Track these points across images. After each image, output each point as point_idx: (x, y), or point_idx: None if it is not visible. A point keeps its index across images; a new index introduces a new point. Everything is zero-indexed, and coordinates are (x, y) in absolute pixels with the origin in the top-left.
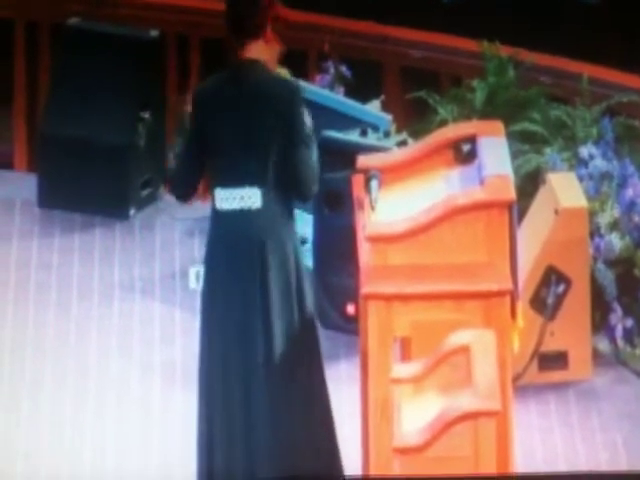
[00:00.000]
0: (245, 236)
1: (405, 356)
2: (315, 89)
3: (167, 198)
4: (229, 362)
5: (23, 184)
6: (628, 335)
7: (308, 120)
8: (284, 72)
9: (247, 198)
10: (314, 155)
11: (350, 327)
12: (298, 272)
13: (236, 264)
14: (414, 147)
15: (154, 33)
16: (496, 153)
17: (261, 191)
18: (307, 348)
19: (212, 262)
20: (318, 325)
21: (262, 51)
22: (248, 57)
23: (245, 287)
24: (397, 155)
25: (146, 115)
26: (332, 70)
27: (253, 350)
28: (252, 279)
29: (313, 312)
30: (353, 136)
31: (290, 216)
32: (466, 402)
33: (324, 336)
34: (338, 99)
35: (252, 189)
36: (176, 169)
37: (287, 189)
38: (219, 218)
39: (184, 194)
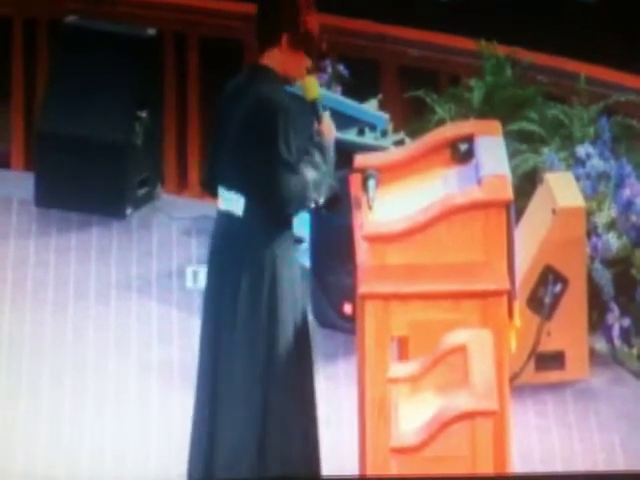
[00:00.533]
0: (226, 239)
1: (402, 355)
2: None
3: (164, 197)
4: (203, 366)
5: (20, 183)
6: (625, 335)
7: (292, 143)
8: (310, 81)
9: (232, 202)
10: (294, 180)
11: (347, 326)
12: (272, 285)
13: (217, 265)
14: (411, 146)
15: (151, 31)
16: (493, 153)
17: (244, 199)
18: (271, 357)
19: (207, 259)
20: (314, 327)
21: (277, 59)
22: (261, 62)
23: (220, 290)
24: (394, 154)
25: (143, 114)
26: (329, 69)
27: (219, 357)
28: (226, 283)
29: (289, 324)
30: (350, 135)
31: (275, 227)
32: (463, 402)
33: (321, 335)
34: (335, 98)
35: (236, 195)
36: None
37: (278, 202)
38: (216, 215)
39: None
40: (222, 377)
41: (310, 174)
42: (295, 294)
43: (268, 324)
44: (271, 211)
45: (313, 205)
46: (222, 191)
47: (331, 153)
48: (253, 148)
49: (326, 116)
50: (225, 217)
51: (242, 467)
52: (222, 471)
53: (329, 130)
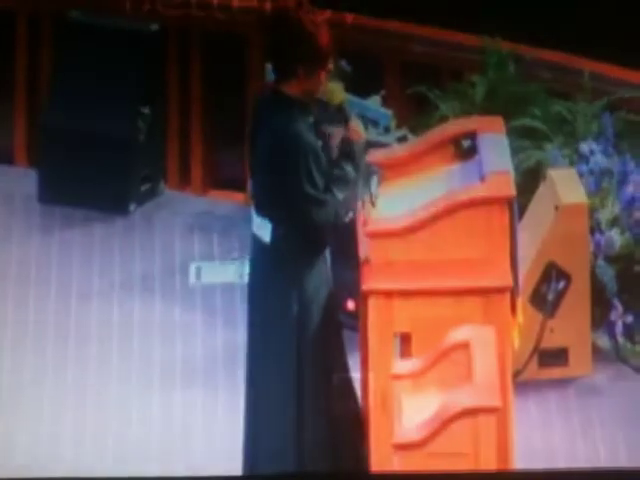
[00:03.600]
0: (256, 263)
1: (405, 352)
2: None
3: (167, 193)
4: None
5: (23, 179)
6: (628, 331)
7: (316, 176)
8: (333, 87)
9: (261, 227)
10: (322, 211)
11: (350, 323)
12: (300, 319)
13: (250, 286)
14: (414, 143)
15: (155, 27)
16: (496, 149)
17: (271, 226)
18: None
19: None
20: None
21: (296, 88)
22: (281, 90)
23: (251, 313)
24: (397, 151)
25: (146, 110)
26: (332, 65)
27: (254, 365)
28: (255, 308)
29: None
30: None
31: (303, 253)
32: (466, 398)
33: None
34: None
35: (264, 221)
36: None
37: (307, 230)
38: (252, 236)
39: None
40: (258, 382)
41: (341, 193)
42: (323, 313)
43: (298, 347)
44: (302, 240)
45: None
46: (253, 213)
47: (361, 157)
48: (277, 184)
49: (354, 120)
50: (256, 240)
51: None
52: (263, 466)
53: (358, 135)
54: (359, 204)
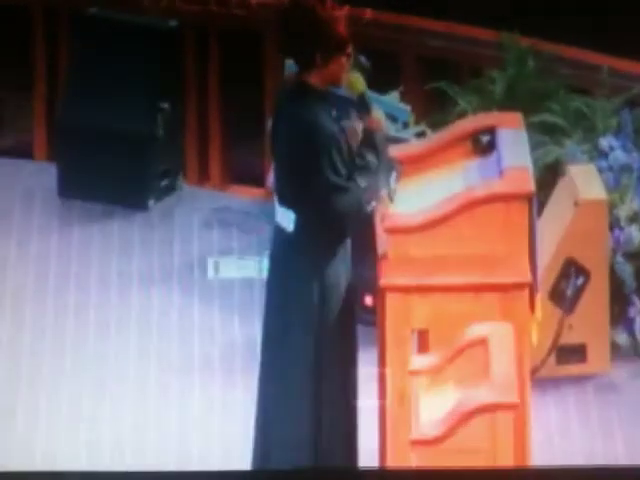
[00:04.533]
0: (277, 253)
1: (423, 348)
2: None
3: (186, 188)
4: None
5: (43, 174)
6: None
7: (338, 163)
8: (354, 78)
9: (284, 218)
10: (345, 198)
11: (368, 318)
12: (321, 306)
13: (271, 275)
14: (433, 138)
15: (173, 23)
16: (515, 145)
17: (295, 215)
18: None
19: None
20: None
21: (317, 76)
22: (303, 80)
23: (270, 299)
24: (416, 146)
25: (165, 105)
26: (350, 60)
27: (271, 358)
28: (273, 296)
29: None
30: None
31: (325, 242)
32: (483, 395)
33: None
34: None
35: (287, 211)
36: None
37: (330, 218)
38: (274, 226)
39: None
40: (275, 369)
41: (364, 181)
42: (343, 302)
43: (316, 339)
44: (325, 228)
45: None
46: (277, 206)
47: (383, 147)
48: (301, 173)
49: (375, 110)
50: (278, 230)
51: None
52: (277, 461)
53: (379, 124)
54: (380, 195)
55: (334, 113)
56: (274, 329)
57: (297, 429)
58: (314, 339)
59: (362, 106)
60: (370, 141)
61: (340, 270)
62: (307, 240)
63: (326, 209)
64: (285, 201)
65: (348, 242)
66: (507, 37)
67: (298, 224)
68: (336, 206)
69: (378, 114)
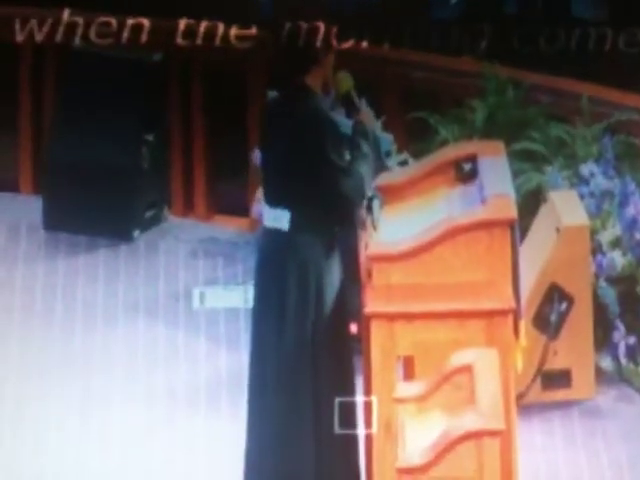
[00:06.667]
0: (271, 255)
1: (408, 375)
2: None
3: (171, 219)
4: (254, 381)
5: (28, 207)
6: (631, 353)
7: (342, 149)
8: (341, 76)
9: (278, 219)
10: (352, 181)
11: (353, 346)
12: (318, 295)
13: (263, 279)
14: (415, 167)
15: (157, 57)
16: (497, 172)
17: (290, 214)
18: (318, 366)
19: (254, 275)
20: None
21: (315, 77)
22: (302, 82)
23: (265, 308)
24: (398, 175)
25: (150, 138)
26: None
27: (263, 370)
28: (272, 298)
29: (334, 331)
30: None
31: (319, 237)
32: (469, 421)
33: None
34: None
35: (283, 211)
36: None
37: (322, 212)
38: (261, 234)
39: None
40: (271, 390)
41: (363, 168)
42: (336, 299)
43: (313, 332)
44: (320, 221)
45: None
46: (266, 210)
47: (373, 137)
48: (306, 163)
49: (363, 105)
50: (269, 234)
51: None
52: None
53: (368, 118)
54: (361, 227)
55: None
56: (268, 334)
57: (297, 462)
58: (311, 349)
59: (350, 104)
60: (363, 132)
61: (334, 267)
62: (303, 236)
63: (333, 193)
64: (281, 201)
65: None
66: (487, 66)
67: (293, 221)
68: (342, 189)
69: (366, 110)
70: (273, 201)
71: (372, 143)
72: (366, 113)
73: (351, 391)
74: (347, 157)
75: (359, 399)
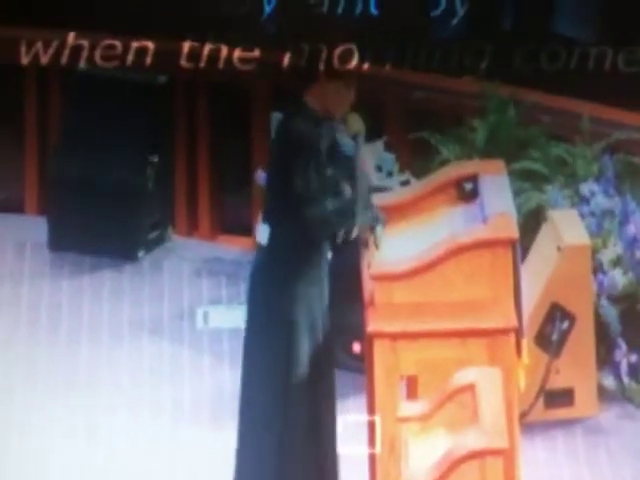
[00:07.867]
0: (253, 270)
1: (411, 394)
2: None
3: (175, 239)
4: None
5: (34, 228)
6: (633, 371)
7: (311, 178)
8: (351, 117)
9: (261, 233)
10: (310, 210)
11: (356, 365)
12: (288, 313)
13: (247, 297)
14: (417, 186)
15: (162, 78)
16: (498, 191)
17: (270, 229)
18: (288, 381)
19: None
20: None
21: (316, 96)
22: (302, 98)
23: (248, 323)
24: (400, 194)
25: (155, 158)
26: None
27: (245, 384)
28: (252, 315)
29: (307, 345)
30: None
31: (299, 254)
32: (473, 440)
33: None
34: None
35: (264, 226)
36: None
37: (296, 231)
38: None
39: None
40: (245, 404)
41: (332, 204)
42: (313, 314)
43: (286, 349)
44: (296, 238)
45: (343, 235)
46: (260, 224)
47: (363, 186)
48: (278, 181)
49: (364, 153)
50: (257, 248)
51: None
52: None
53: (364, 165)
54: (359, 235)
55: (322, 137)
56: (254, 347)
57: (262, 467)
58: (283, 366)
59: (356, 147)
60: (351, 174)
61: (310, 281)
62: (278, 250)
63: (294, 217)
64: (265, 215)
65: (325, 279)
66: (488, 86)
67: (271, 236)
68: (305, 215)
69: (366, 157)
70: (263, 215)
71: (359, 189)
72: (364, 159)
73: (332, 404)
74: (327, 179)
75: (363, 418)
